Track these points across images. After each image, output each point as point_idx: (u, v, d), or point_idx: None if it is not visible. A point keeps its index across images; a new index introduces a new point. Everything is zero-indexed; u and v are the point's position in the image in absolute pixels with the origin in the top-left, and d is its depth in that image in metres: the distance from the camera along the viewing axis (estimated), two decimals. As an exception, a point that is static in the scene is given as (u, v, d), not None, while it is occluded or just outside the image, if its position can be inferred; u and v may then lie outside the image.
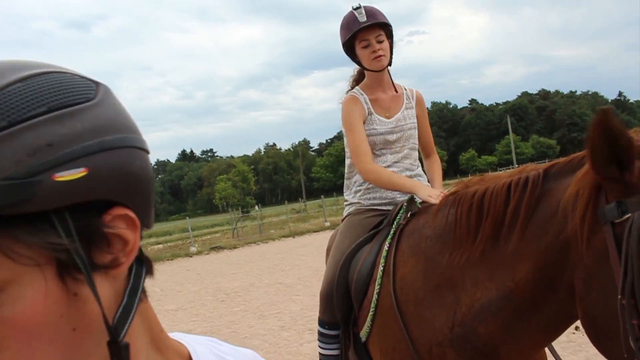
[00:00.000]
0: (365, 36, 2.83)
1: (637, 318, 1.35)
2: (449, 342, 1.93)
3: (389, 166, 2.89)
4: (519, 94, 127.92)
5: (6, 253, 0.51)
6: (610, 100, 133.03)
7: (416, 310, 2.06)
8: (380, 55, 2.83)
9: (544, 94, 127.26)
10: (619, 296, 1.38)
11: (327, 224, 26.16)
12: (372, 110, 2.92)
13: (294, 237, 24.01)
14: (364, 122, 2.90)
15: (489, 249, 1.82)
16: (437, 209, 2.14)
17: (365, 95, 2.94)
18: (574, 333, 5.50)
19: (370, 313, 2.26)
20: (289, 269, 13.91)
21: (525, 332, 1.78)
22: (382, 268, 2.25)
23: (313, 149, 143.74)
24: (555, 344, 2.11)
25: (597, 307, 1.50)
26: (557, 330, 1.78)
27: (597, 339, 1.53)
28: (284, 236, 24.67)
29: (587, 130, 1.40)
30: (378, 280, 2.24)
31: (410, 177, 2.91)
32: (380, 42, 2.83)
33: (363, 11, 2.81)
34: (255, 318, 8.85)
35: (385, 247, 2.30)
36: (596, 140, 1.38)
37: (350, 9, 2.87)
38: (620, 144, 1.37)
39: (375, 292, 2.24)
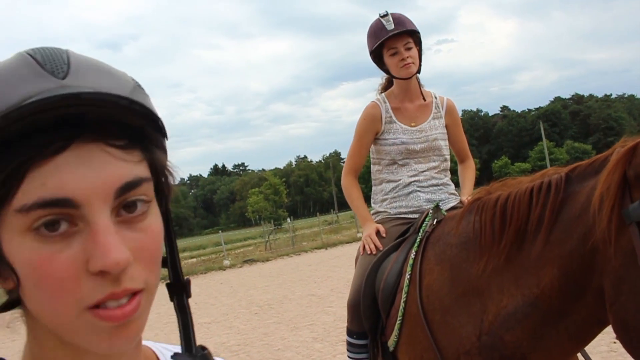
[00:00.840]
0: (393, 44, 2.82)
1: None
2: (477, 351, 1.90)
3: (414, 175, 2.88)
4: (552, 99, 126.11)
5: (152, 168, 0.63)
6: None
7: (443, 318, 2.04)
8: (409, 63, 2.82)
9: (578, 99, 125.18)
10: None
11: (360, 234, 26.03)
12: (395, 119, 2.91)
13: (326, 248, 23.99)
14: (379, 132, 2.92)
15: (514, 255, 1.80)
16: (461, 216, 2.12)
17: (387, 104, 2.94)
18: (614, 342, 5.34)
19: (398, 322, 2.24)
20: (321, 280, 13.90)
21: (553, 339, 1.74)
22: (408, 276, 2.24)
23: (344, 160, 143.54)
24: (595, 353, 2.07)
25: (628, 311, 1.46)
26: (586, 337, 1.74)
27: (631, 343, 1.50)
28: (316, 248, 24.66)
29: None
30: (405, 289, 2.23)
31: (437, 186, 2.91)
32: (408, 49, 2.83)
33: (391, 19, 2.80)
34: (288, 330, 8.84)
35: (412, 256, 2.29)
36: None
37: (377, 16, 2.86)
38: None
39: (402, 301, 2.23)
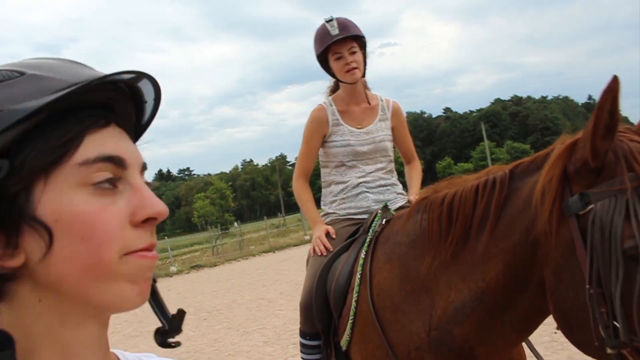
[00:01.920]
0: (338, 49, 2.85)
1: (604, 306, 1.39)
2: (427, 346, 1.94)
3: (362, 176, 2.93)
4: (492, 101, 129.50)
5: None
6: (580, 104, 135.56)
7: (393, 316, 2.07)
8: (353, 69, 2.86)
9: (517, 100, 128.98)
10: (587, 286, 1.42)
11: (307, 237, 26.10)
12: (342, 121, 2.95)
13: (274, 252, 23.93)
14: (326, 135, 2.96)
15: (461, 250, 1.84)
16: (408, 214, 2.16)
17: (334, 107, 2.98)
18: (555, 333, 5.54)
19: (350, 321, 2.26)
20: (270, 284, 13.84)
21: (499, 331, 1.80)
22: (359, 276, 2.26)
23: (290, 163, 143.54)
24: (537, 344, 2.14)
25: (567, 299, 1.53)
26: (530, 327, 1.80)
27: (570, 330, 1.57)
28: (264, 252, 24.58)
29: (600, 97, 1.40)
30: (356, 289, 2.25)
31: (385, 187, 2.96)
32: (352, 54, 2.86)
33: (335, 24, 2.83)
34: (239, 335, 8.78)
35: (362, 255, 2.31)
36: (605, 107, 1.40)
37: (323, 21, 2.88)
38: (615, 118, 1.41)
39: (354, 300, 2.25)
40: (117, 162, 0.65)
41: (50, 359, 0.63)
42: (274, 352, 7.32)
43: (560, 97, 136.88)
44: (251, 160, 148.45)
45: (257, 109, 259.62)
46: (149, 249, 0.66)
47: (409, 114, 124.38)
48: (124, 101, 0.71)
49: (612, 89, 1.37)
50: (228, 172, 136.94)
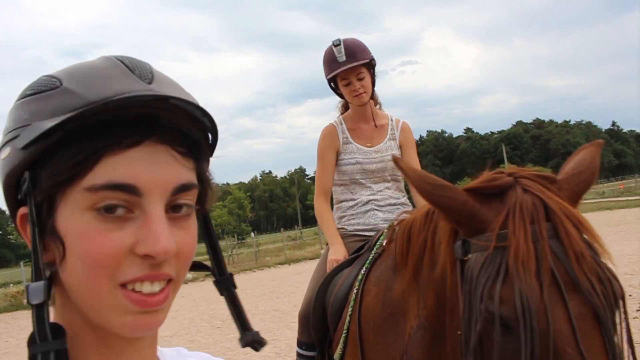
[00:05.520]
0: (346, 75, 2.90)
1: (464, 356, 1.36)
2: None
3: (372, 194, 2.96)
4: (514, 123, 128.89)
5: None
6: (603, 130, 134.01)
7: (375, 338, 2.08)
8: (360, 94, 2.90)
9: (539, 123, 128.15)
10: (459, 332, 1.40)
11: (323, 251, 26.02)
12: (351, 139, 3.00)
13: (289, 264, 23.94)
14: (338, 152, 2.99)
15: (415, 277, 1.84)
16: (389, 238, 2.17)
17: (344, 125, 3.04)
18: None
19: (343, 336, 2.28)
20: (284, 296, 13.84)
21: (447, 359, 1.77)
22: (355, 292, 2.28)
23: (309, 176, 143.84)
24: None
25: (454, 339, 1.52)
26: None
27: None
28: (279, 263, 24.59)
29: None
30: (351, 303, 2.27)
31: (394, 206, 2.98)
32: (360, 79, 2.89)
33: (342, 49, 2.84)
34: (251, 345, 8.76)
35: (362, 273, 2.32)
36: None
37: (331, 43, 2.90)
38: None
39: (348, 315, 2.27)
40: (128, 190, 0.62)
41: (89, 346, 0.67)
42: (284, 364, 7.31)
43: (583, 122, 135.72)
44: (270, 172, 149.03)
45: (277, 122, 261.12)
46: (142, 279, 0.62)
47: (430, 132, 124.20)
48: (169, 116, 0.66)
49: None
50: (247, 182, 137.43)
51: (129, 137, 0.63)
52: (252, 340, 0.79)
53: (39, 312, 0.61)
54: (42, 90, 0.65)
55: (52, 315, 0.66)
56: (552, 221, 1.27)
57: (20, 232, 0.67)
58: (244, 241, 37.26)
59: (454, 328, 1.52)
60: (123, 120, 0.63)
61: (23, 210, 0.66)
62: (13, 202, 0.67)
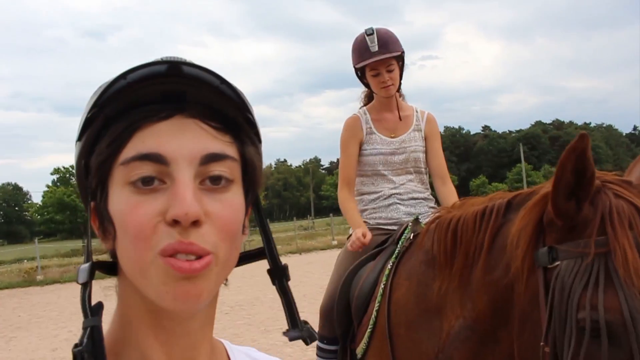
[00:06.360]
0: (376, 65, 2.87)
1: None
2: None
3: (395, 188, 2.93)
4: (533, 123, 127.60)
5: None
6: (624, 134, 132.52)
7: (407, 333, 2.07)
8: (388, 86, 2.88)
9: (558, 124, 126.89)
10: (542, 343, 1.36)
11: (335, 242, 26.11)
12: (375, 129, 2.97)
13: (300, 253, 23.99)
14: (362, 142, 2.96)
15: (464, 277, 1.81)
16: (423, 233, 2.14)
17: (368, 115, 3.01)
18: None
19: (368, 331, 2.27)
20: (294, 285, 13.52)
21: None
22: (382, 286, 2.27)
23: (324, 167, 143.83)
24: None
25: (527, 349, 1.48)
26: None
27: None
28: (290, 252, 24.63)
29: (563, 154, 1.32)
30: (378, 298, 2.26)
31: (417, 200, 2.95)
32: (390, 71, 2.87)
33: (375, 39, 2.81)
34: (259, 332, 8.83)
35: (389, 266, 2.31)
36: (567, 167, 1.31)
37: (363, 31, 2.88)
38: (586, 176, 1.32)
39: (374, 310, 2.26)
40: (154, 159, 0.64)
41: (141, 330, 0.71)
42: (293, 354, 7.37)
43: (604, 125, 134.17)
44: (285, 161, 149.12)
45: (293, 111, 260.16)
46: (175, 247, 0.63)
47: (447, 128, 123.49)
48: (194, 91, 0.68)
49: (577, 148, 1.28)
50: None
51: (160, 112, 0.67)
52: (298, 336, 0.80)
53: (83, 291, 0.67)
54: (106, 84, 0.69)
55: (115, 303, 0.74)
56: None
57: (93, 225, 0.72)
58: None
59: (526, 337, 1.47)
60: (152, 100, 0.67)
61: (93, 203, 0.71)
62: (84, 196, 0.73)
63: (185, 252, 0.64)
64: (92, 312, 0.65)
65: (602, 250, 1.25)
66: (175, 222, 0.63)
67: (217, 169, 0.68)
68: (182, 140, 0.66)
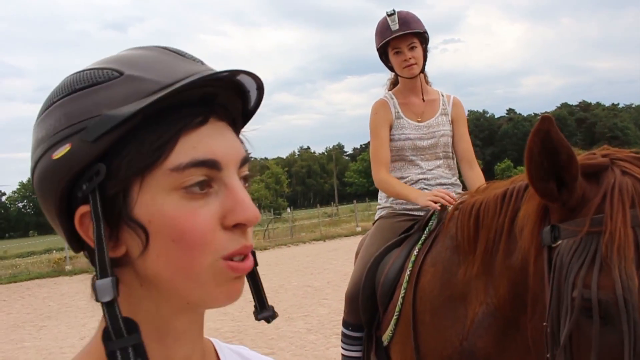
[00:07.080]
0: (397, 44, 2.84)
1: (551, 349, 1.29)
2: (458, 356, 1.90)
3: (422, 173, 2.88)
4: (559, 105, 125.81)
5: None
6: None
7: (432, 320, 2.04)
8: (411, 64, 2.84)
9: (585, 106, 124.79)
10: (545, 323, 1.33)
11: (359, 228, 26.09)
12: (402, 114, 2.92)
13: (324, 240, 24.04)
14: (390, 127, 2.92)
15: (486, 262, 1.78)
16: (448, 219, 2.12)
17: (395, 100, 2.96)
18: None
19: (394, 318, 2.25)
20: (318, 272, 13.92)
21: (514, 349, 1.72)
22: (408, 273, 2.24)
23: (347, 153, 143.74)
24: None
25: (537, 331, 1.45)
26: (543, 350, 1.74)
27: None
28: (314, 239, 24.70)
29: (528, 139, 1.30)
30: (404, 285, 2.23)
31: (444, 185, 2.89)
32: (412, 49, 2.83)
33: (396, 18, 2.80)
34: (283, 320, 8.87)
35: (415, 253, 2.28)
36: (534, 149, 1.29)
37: (385, 14, 2.86)
38: (560, 157, 1.28)
39: (400, 296, 2.24)
40: (210, 165, 0.64)
41: (148, 336, 0.66)
42: (316, 341, 7.38)
43: (633, 105, 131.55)
44: (308, 148, 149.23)
45: (315, 98, 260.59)
46: (241, 252, 0.65)
47: (471, 112, 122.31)
48: (224, 94, 0.69)
49: (540, 130, 1.26)
50: (285, 157, 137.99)
51: (198, 116, 0.65)
52: (270, 315, 0.80)
53: (110, 309, 0.61)
54: (100, 82, 0.64)
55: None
56: None
57: (80, 232, 0.65)
58: (280, 216, 37.51)
59: (537, 319, 1.45)
60: (187, 102, 0.65)
61: (83, 209, 0.64)
62: (64, 202, 0.65)
63: (244, 254, 0.66)
64: (129, 329, 0.61)
65: (597, 229, 1.22)
66: (235, 226, 0.65)
67: (246, 169, 0.70)
68: (226, 144, 0.67)
